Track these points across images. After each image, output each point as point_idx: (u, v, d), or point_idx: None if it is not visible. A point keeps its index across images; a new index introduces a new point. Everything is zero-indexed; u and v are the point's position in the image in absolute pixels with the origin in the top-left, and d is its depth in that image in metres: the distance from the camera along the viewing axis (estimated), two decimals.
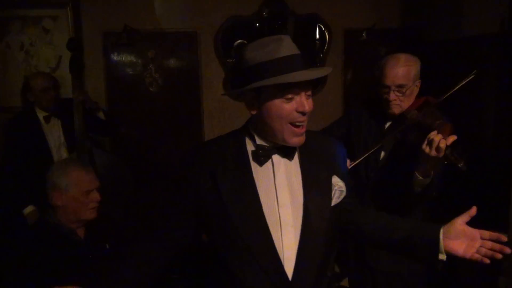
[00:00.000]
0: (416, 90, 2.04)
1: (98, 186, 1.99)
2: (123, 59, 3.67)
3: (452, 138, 1.69)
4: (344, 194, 1.36)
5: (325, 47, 3.84)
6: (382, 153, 2.09)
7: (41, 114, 3.04)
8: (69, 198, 1.90)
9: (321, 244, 1.30)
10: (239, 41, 3.71)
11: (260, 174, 1.29)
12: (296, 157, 1.33)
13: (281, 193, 1.28)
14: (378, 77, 2.03)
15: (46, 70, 3.58)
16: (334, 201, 1.34)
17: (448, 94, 1.96)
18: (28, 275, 1.77)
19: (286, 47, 1.21)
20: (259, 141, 1.31)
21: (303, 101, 1.21)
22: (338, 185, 1.34)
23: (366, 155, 2.05)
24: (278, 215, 1.27)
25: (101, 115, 3.11)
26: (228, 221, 1.26)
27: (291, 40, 1.24)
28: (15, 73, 3.59)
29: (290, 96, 1.21)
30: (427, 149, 1.71)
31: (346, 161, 1.47)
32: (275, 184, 1.28)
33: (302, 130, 1.26)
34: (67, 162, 1.99)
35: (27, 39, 3.57)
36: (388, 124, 2.09)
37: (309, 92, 1.24)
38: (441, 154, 1.68)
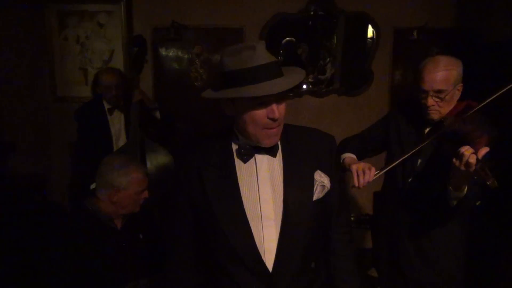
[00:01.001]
0: (457, 94, 1.92)
1: (147, 184, 2.08)
2: (170, 54, 3.77)
3: (484, 151, 1.59)
4: (327, 189, 1.38)
5: (373, 46, 3.75)
6: (419, 160, 2.00)
7: (107, 106, 3.25)
8: (124, 196, 1.98)
9: (302, 237, 1.34)
10: (288, 38, 3.71)
11: (244, 171, 1.34)
12: (279, 153, 1.37)
13: (262, 189, 1.33)
14: (417, 81, 1.94)
15: (99, 63, 3.77)
16: (316, 196, 1.36)
17: (489, 99, 1.82)
18: (68, 259, 1.87)
19: (259, 55, 1.21)
20: (242, 140, 1.35)
21: (274, 108, 1.24)
22: (320, 180, 1.37)
23: (399, 160, 1.98)
24: (259, 210, 1.32)
25: (157, 115, 3.22)
26: (212, 216, 1.33)
27: (265, 48, 1.25)
28: (71, 65, 3.80)
29: (261, 103, 1.24)
30: (457, 163, 1.63)
31: (335, 158, 1.47)
32: (257, 180, 1.33)
33: (275, 131, 1.29)
34: (127, 163, 2.04)
35: (83, 33, 3.75)
36: (427, 130, 2.00)
37: (278, 99, 1.26)
38: (472, 169, 1.59)
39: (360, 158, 2.17)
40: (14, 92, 3.78)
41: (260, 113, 1.24)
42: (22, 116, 3.81)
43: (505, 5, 3.29)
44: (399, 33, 3.72)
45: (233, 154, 1.36)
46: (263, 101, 1.23)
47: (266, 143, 1.30)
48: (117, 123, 3.28)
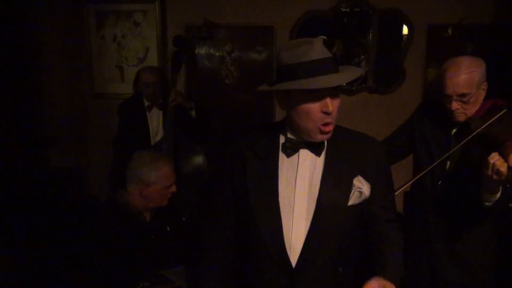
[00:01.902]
0: (482, 94, 1.88)
1: (175, 179, 2.14)
2: (202, 51, 3.83)
3: None
4: (365, 196, 1.36)
5: (406, 43, 3.69)
6: (448, 163, 1.97)
7: (146, 103, 3.35)
8: (154, 191, 2.05)
9: (331, 240, 1.34)
10: (320, 36, 3.69)
11: (285, 165, 1.36)
12: (323, 152, 1.37)
13: (299, 185, 1.34)
14: (440, 85, 1.90)
15: (135, 61, 3.88)
16: (352, 201, 1.35)
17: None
18: (100, 251, 1.94)
19: (316, 50, 1.25)
20: (290, 135, 1.37)
21: (327, 102, 1.26)
22: (358, 186, 1.35)
23: (431, 166, 1.95)
24: (292, 206, 1.34)
25: (193, 114, 3.23)
26: (248, 204, 1.37)
27: (322, 43, 1.28)
28: (109, 63, 3.93)
29: (315, 97, 1.26)
30: (488, 172, 1.60)
31: (386, 164, 1.46)
32: (296, 176, 1.35)
33: (329, 128, 1.30)
34: (157, 158, 2.10)
35: (119, 32, 3.87)
36: (454, 130, 1.96)
37: (333, 93, 1.28)
38: (503, 177, 1.56)
39: None
40: (54, 88, 3.97)
41: (315, 107, 1.26)
42: (62, 112, 3.99)
43: None
44: (433, 30, 3.62)
45: (278, 146, 1.38)
46: (317, 96, 1.25)
47: (318, 138, 1.32)
48: (155, 119, 3.36)
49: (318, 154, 1.36)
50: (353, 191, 1.35)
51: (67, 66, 3.94)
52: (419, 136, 2.11)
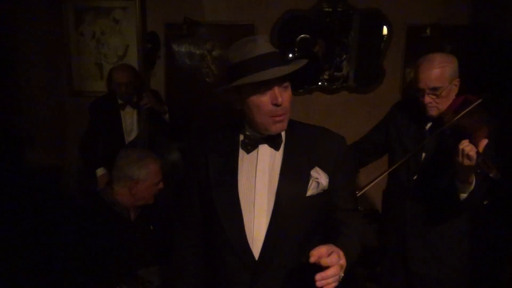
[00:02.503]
0: (455, 90, 1.96)
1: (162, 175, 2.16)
2: (183, 49, 3.81)
3: (484, 143, 1.61)
4: (322, 186, 1.39)
5: (386, 43, 3.74)
6: (423, 155, 2.03)
7: (120, 101, 3.32)
8: (143, 188, 2.06)
9: (292, 231, 1.36)
10: (302, 35, 3.71)
11: (245, 161, 1.41)
12: (281, 146, 1.41)
13: (259, 180, 1.38)
14: (413, 80, 1.99)
15: (114, 58, 3.84)
16: (310, 192, 1.38)
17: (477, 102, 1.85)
18: (83, 249, 1.93)
19: (261, 46, 1.30)
20: (248, 131, 1.42)
21: (276, 94, 1.30)
22: (316, 176, 1.38)
23: (404, 159, 2.02)
24: (253, 199, 1.37)
25: (167, 117, 3.27)
26: (211, 201, 1.41)
27: (267, 40, 1.34)
28: (87, 60, 3.88)
29: (264, 90, 1.30)
30: (458, 159, 1.65)
31: (346, 157, 1.47)
32: (256, 171, 1.39)
33: (280, 118, 1.33)
34: (144, 155, 2.14)
35: (98, 29, 3.83)
36: (429, 125, 2.03)
37: (285, 84, 1.32)
38: (473, 163, 1.60)
39: (361, 166, 2.29)
40: (32, 86, 3.90)
41: (265, 100, 1.30)
42: (40, 110, 3.93)
43: None
44: (412, 30, 3.68)
45: (238, 144, 1.42)
46: (266, 89, 1.30)
47: (273, 129, 1.35)
48: (129, 118, 3.34)
49: (276, 148, 1.40)
50: (311, 181, 1.38)
51: (45, 63, 3.88)
52: (394, 133, 2.16)
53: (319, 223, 1.44)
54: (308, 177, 1.38)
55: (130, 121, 3.35)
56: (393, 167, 2.04)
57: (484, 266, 2.64)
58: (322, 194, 1.40)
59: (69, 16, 3.80)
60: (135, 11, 3.75)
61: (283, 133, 1.43)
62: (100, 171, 3.30)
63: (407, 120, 2.11)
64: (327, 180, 1.40)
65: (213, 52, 3.79)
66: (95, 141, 3.37)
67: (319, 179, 1.38)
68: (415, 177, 2.04)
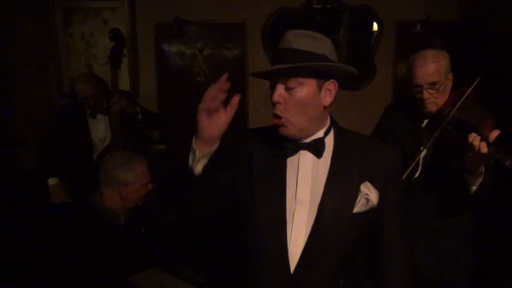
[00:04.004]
0: (449, 84, 1.95)
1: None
2: (173, 49, 3.80)
3: (495, 134, 1.59)
4: (372, 204, 1.27)
5: (376, 40, 3.75)
6: (423, 153, 1.98)
7: (89, 110, 3.07)
8: (132, 190, 2.03)
9: (332, 249, 1.25)
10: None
11: (288, 166, 1.29)
12: (328, 156, 1.29)
13: (301, 189, 1.27)
14: (409, 78, 1.96)
15: (104, 59, 3.79)
16: (358, 209, 1.26)
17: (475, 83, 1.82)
18: (71, 255, 1.90)
19: (284, 40, 1.23)
20: None
21: (274, 91, 1.23)
22: (365, 192, 1.26)
23: (413, 164, 1.90)
24: (293, 209, 1.26)
25: (139, 117, 3.06)
26: (251, 203, 1.28)
27: (309, 37, 1.23)
28: (77, 61, 3.86)
29: (271, 87, 1.25)
30: (469, 153, 1.63)
31: (396, 177, 1.35)
32: (297, 179, 1.27)
33: (275, 121, 1.25)
34: (131, 157, 2.07)
35: (87, 30, 3.80)
36: (425, 122, 2.00)
37: (290, 85, 1.22)
38: (486, 153, 1.58)
39: None
40: (21, 88, 3.86)
41: (271, 97, 1.25)
42: (30, 112, 3.89)
43: None
44: (402, 26, 3.69)
45: (284, 148, 1.30)
46: (272, 84, 1.24)
47: (278, 131, 1.26)
48: (101, 125, 3.12)
49: (318, 155, 1.28)
50: (359, 197, 1.26)
51: (35, 65, 3.85)
52: (390, 135, 2.14)
53: (362, 244, 1.32)
54: (357, 191, 1.26)
55: (103, 128, 3.12)
56: (407, 171, 1.89)
57: (488, 265, 2.64)
58: (370, 212, 1.28)
59: (57, 18, 3.77)
60: (124, 11, 3.72)
61: (331, 141, 1.31)
62: (52, 181, 3.09)
63: (402, 120, 2.09)
64: (378, 197, 1.27)
65: (204, 52, 3.78)
66: (56, 149, 3.10)
67: (369, 195, 1.26)
68: (416, 175, 2.01)
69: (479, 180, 1.73)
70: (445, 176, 1.91)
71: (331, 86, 1.27)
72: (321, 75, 1.24)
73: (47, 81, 3.88)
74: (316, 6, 3.70)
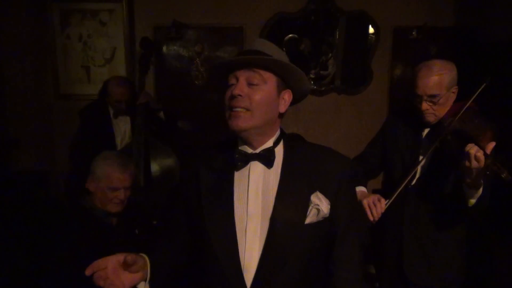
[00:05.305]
0: (453, 97, 1.94)
1: (127, 186, 2.06)
2: (172, 52, 3.80)
3: (492, 145, 1.61)
4: (323, 214, 1.25)
5: (373, 45, 3.78)
6: (422, 162, 1.98)
7: (111, 110, 3.20)
8: (98, 188, 2.02)
9: (287, 262, 1.23)
10: (290, 35, 3.73)
11: (237, 180, 1.28)
12: (278, 167, 1.29)
13: (252, 202, 1.25)
14: (412, 86, 1.95)
15: (101, 61, 3.80)
16: (310, 219, 1.24)
17: (476, 95, 1.86)
18: (63, 255, 1.90)
19: (251, 45, 1.28)
20: (240, 146, 1.31)
21: (236, 84, 1.23)
22: (316, 202, 1.25)
23: (411, 175, 1.95)
24: (245, 223, 1.24)
25: (161, 115, 3.22)
26: (202, 222, 1.28)
27: (264, 41, 1.29)
28: (74, 63, 3.84)
29: (229, 83, 1.25)
30: (467, 163, 1.63)
31: (347, 185, 1.32)
32: (248, 191, 1.26)
33: (236, 112, 1.22)
34: (111, 156, 2.08)
35: (85, 31, 3.79)
36: (426, 132, 2.00)
37: (254, 81, 1.22)
38: (482, 164, 1.59)
39: (369, 179, 2.21)
40: (18, 89, 3.82)
41: (228, 93, 1.24)
42: (26, 113, 3.85)
43: (504, 4, 3.30)
44: (398, 32, 3.73)
45: (233, 160, 1.28)
46: (231, 80, 1.24)
47: (231, 124, 1.23)
48: (122, 125, 3.26)
49: (268, 165, 1.27)
50: (310, 208, 1.24)
51: (31, 66, 3.81)
52: (391, 142, 2.14)
53: (320, 253, 1.31)
54: (307, 202, 1.24)
55: (124, 127, 3.26)
56: (400, 189, 1.93)
57: (478, 274, 2.65)
58: (322, 222, 1.26)
59: (54, 19, 3.76)
60: (121, 13, 3.72)
61: (280, 151, 1.30)
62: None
63: (403, 128, 2.09)
64: (329, 207, 1.26)
65: (202, 55, 3.79)
66: (87, 148, 3.19)
67: (319, 205, 1.25)
68: (413, 183, 2.00)
69: (478, 194, 1.74)
70: (443, 186, 1.91)
71: (286, 96, 1.30)
72: (281, 79, 1.27)
73: (44, 82, 3.86)
74: (312, 11, 3.72)
